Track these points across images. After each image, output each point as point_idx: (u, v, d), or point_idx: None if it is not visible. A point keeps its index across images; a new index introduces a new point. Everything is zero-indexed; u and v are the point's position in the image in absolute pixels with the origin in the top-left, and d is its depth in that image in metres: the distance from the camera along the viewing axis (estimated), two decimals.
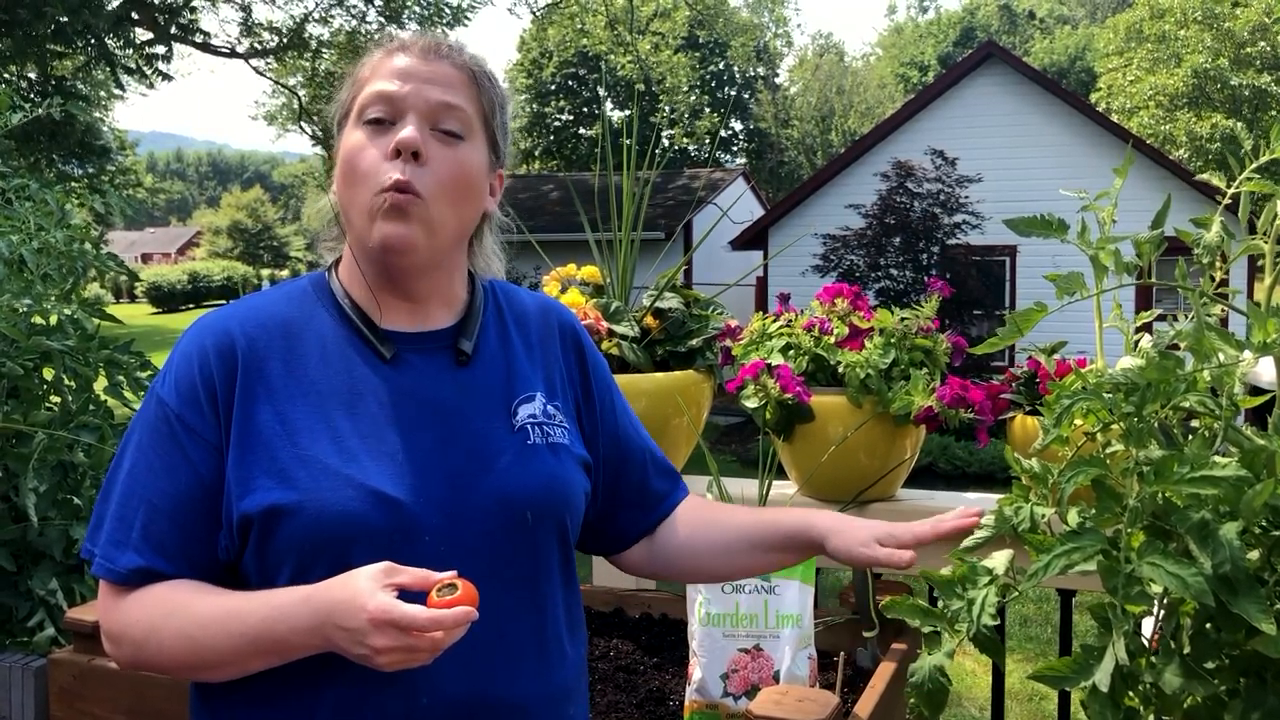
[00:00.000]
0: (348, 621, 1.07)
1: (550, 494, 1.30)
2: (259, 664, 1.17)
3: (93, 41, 14.01)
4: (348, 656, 1.09)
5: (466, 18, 17.76)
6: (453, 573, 1.10)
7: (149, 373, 2.63)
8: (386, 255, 1.26)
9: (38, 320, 2.49)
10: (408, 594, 1.08)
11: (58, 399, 2.52)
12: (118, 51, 15.19)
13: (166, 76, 16.11)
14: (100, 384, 2.55)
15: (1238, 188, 1.44)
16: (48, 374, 2.49)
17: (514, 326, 1.40)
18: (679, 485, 1.55)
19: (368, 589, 1.07)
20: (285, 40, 17.76)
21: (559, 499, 1.32)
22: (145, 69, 15.94)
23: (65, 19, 12.66)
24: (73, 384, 2.51)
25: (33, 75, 15.36)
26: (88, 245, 2.75)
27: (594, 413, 1.45)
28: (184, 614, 1.18)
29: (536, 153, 36.49)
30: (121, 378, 2.58)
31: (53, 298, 2.53)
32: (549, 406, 1.35)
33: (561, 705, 1.32)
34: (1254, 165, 1.43)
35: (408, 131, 1.23)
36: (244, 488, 1.19)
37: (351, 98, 1.30)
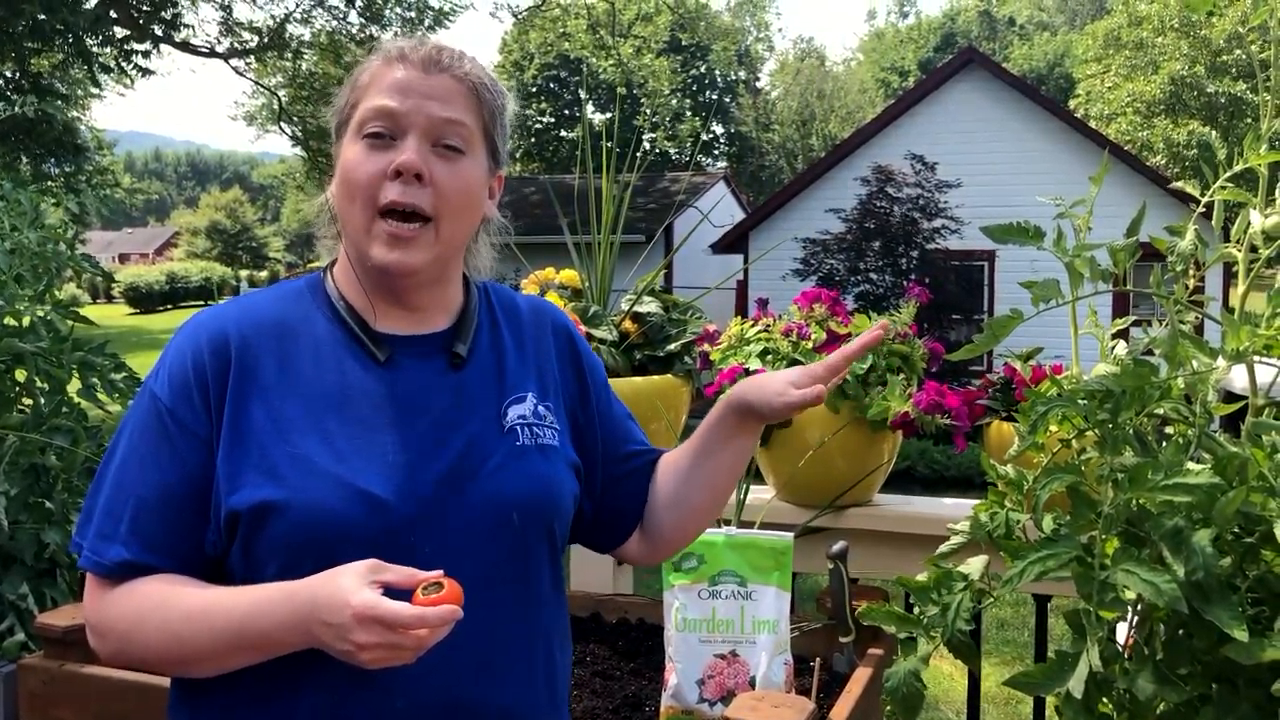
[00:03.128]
0: (332, 617, 1.06)
1: (537, 496, 1.30)
2: (242, 659, 1.16)
3: (70, 39, 13.90)
4: (331, 653, 1.09)
5: (448, 20, 17.73)
6: (439, 572, 1.09)
7: (123, 375, 2.61)
8: (388, 278, 1.27)
9: (10, 322, 2.46)
10: (393, 592, 1.07)
11: (30, 401, 2.49)
12: (96, 50, 15.08)
13: (146, 71, 16.01)
14: (74, 386, 2.53)
15: (1211, 196, 1.45)
16: (20, 376, 2.47)
17: (506, 327, 1.40)
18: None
19: (352, 585, 1.07)
20: (265, 40, 17.68)
21: (546, 501, 1.31)
22: (124, 65, 15.83)
23: (43, 16, 12.55)
24: (45, 386, 2.49)
25: (9, 73, 15.23)
26: (62, 246, 2.72)
27: (590, 412, 1.44)
28: (168, 608, 1.17)
29: (518, 155, 36.46)
30: (95, 380, 2.55)
31: (26, 299, 2.50)
32: (540, 407, 1.35)
33: (546, 711, 1.31)
34: (1227, 174, 1.44)
35: (408, 155, 1.23)
36: (233, 484, 1.19)
37: (350, 105, 1.30)
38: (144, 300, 40.81)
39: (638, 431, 1.53)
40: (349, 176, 1.26)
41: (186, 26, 16.36)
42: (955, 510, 2.22)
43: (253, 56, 18.39)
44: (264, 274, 50.60)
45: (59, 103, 16.60)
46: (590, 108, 35.09)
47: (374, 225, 1.24)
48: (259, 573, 1.19)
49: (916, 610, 1.49)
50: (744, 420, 1.39)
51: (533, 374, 1.38)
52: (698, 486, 1.44)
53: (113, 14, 14.42)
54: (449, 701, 1.21)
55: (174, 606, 1.17)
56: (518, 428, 1.31)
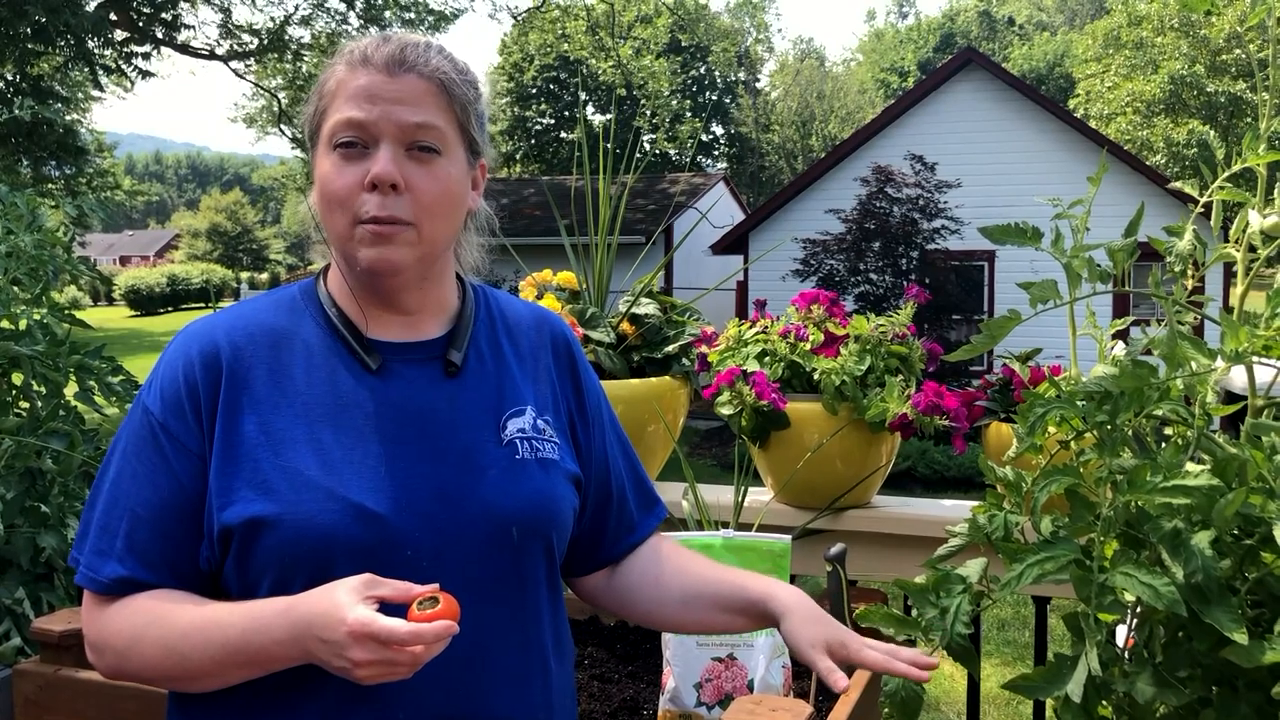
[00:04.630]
0: (327, 634, 1.05)
1: (537, 510, 1.28)
2: (240, 675, 1.15)
3: (72, 41, 13.90)
4: (327, 669, 1.08)
5: (447, 24, 17.74)
6: (434, 586, 1.08)
7: (121, 378, 2.60)
8: (374, 278, 1.25)
9: (6, 325, 2.46)
10: (389, 607, 1.06)
11: (26, 405, 2.48)
12: (97, 51, 15.08)
13: (146, 73, 16.01)
14: (71, 389, 2.52)
15: (1209, 197, 1.45)
16: (16, 379, 2.46)
17: (505, 337, 1.38)
18: (655, 514, 1.52)
19: (347, 601, 1.05)
20: (265, 42, 17.68)
21: (546, 516, 1.30)
22: (125, 67, 15.84)
23: (44, 19, 12.55)
24: (42, 390, 2.48)
25: (9, 76, 15.23)
26: (59, 249, 2.71)
27: (588, 428, 1.42)
28: (165, 624, 1.17)
29: (518, 156, 36.47)
30: (93, 383, 2.54)
31: (23, 302, 2.49)
32: (539, 421, 1.33)
33: None
34: (1225, 175, 1.43)
35: (382, 167, 1.20)
36: (225, 498, 1.18)
37: (319, 113, 1.27)
38: (145, 302, 40.84)
39: (645, 481, 1.52)
40: (326, 191, 1.24)
41: (187, 27, 16.36)
42: (954, 512, 2.22)
43: (253, 59, 18.39)
44: (264, 276, 50.64)
45: (58, 106, 16.59)
46: (590, 109, 35.10)
47: (355, 231, 1.22)
48: (253, 587, 1.18)
49: (915, 613, 1.48)
50: (764, 621, 1.37)
51: (532, 385, 1.36)
52: (689, 616, 1.42)
53: (112, 16, 14.41)
54: (448, 714, 1.20)
55: (170, 623, 1.17)
56: (517, 441, 1.30)
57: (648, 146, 31.33)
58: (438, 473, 1.23)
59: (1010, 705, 5.29)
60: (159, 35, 15.82)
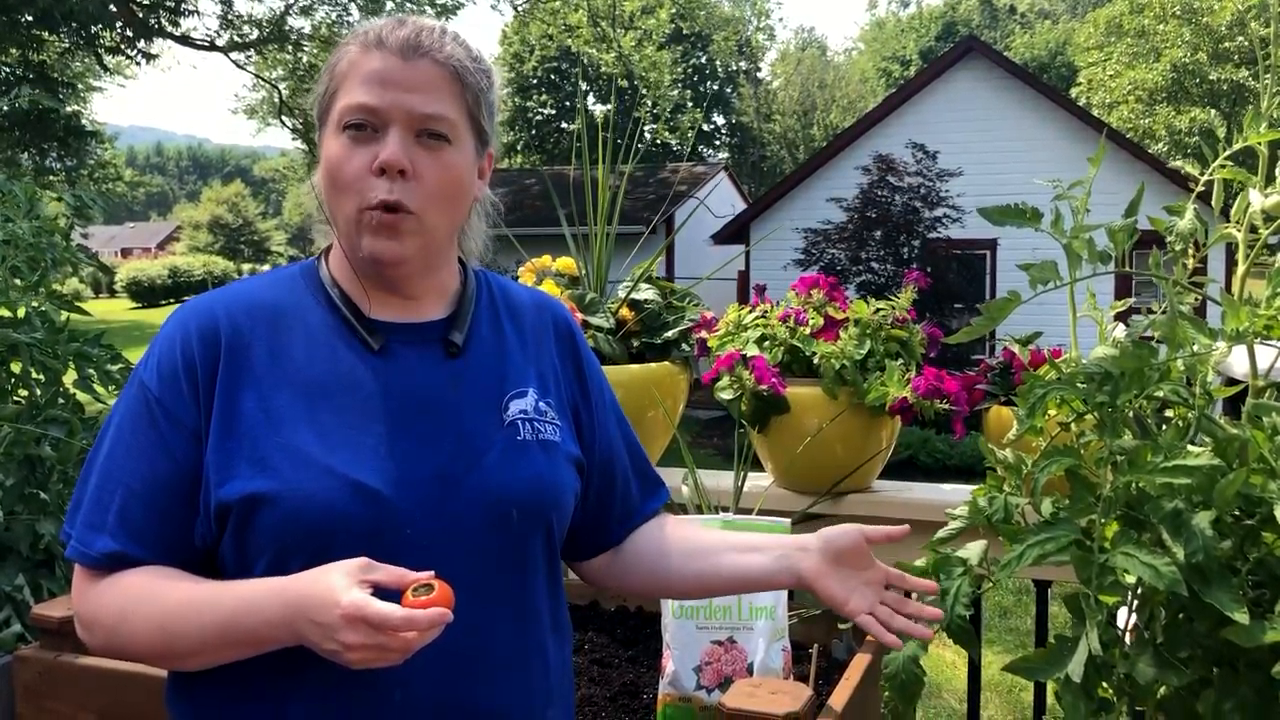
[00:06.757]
0: (320, 616, 1.05)
1: (537, 492, 1.28)
2: (230, 654, 1.15)
3: (75, 26, 13.88)
4: (317, 651, 1.07)
5: (450, 16, 17.71)
6: (430, 573, 1.08)
7: (120, 366, 2.60)
8: (378, 267, 1.25)
9: (5, 313, 2.46)
10: (384, 592, 1.06)
11: (25, 393, 2.48)
12: (101, 34, 15.08)
13: (150, 56, 16.01)
14: (69, 377, 2.52)
15: (1211, 175, 1.44)
16: (15, 367, 2.46)
17: (507, 320, 1.37)
18: (658, 498, 1.51)
19: (342, 585, 1.05)
20: (266, 33, 17.65)
21: (546, 497, 1.29)
22: (128, 52, 15.84)
23: (49, 4, 12.54)
24: (41, 377, 2.48)
25: (10, 64, 15.22)
26: (57, 237, 2.71)
27: (591, 412, 1.42)
28: (155, 601, 1.16)
29: (518, 147, 36.42)
30: (92, 371, 2.54)
31: (21, 290, 2.49)
32: (541, 403, 1.33)
33: (541, 711, 1.29)
34: (1227, 154, 1.42)
35: (390, 152, 1.19)
36: (224, 475, 1.17)
37: (329, 94, 1.26)
38: (146, 295, 40.77)
39: (647, 464, 1.51)
40: (334, 174, 1.23)
41: (193, 13, 16.32)
42: (954, 496, 2.21)
43: (253, 50, 18.36)
44: (266, 268, 50.40)
45: (60, 96, 16.56)
46: (591, 99, 35.03)
47: (361, 217, 1.21)
48: (251, 565, 1.18)
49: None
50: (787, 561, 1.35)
51: (534, 367, 1.36)
52: (693, 565, 1.41)
53: (112, 8, 14.38)
54: (446, 698, 1.20)
55: (161, 600, 1.16)
56: (519, 422, 1.29)
57: (648, 136, 31.26)
58: (439, 453, 1.22)
59: (1011, 693, 5.29)
60: (162, 24, 15.80)
